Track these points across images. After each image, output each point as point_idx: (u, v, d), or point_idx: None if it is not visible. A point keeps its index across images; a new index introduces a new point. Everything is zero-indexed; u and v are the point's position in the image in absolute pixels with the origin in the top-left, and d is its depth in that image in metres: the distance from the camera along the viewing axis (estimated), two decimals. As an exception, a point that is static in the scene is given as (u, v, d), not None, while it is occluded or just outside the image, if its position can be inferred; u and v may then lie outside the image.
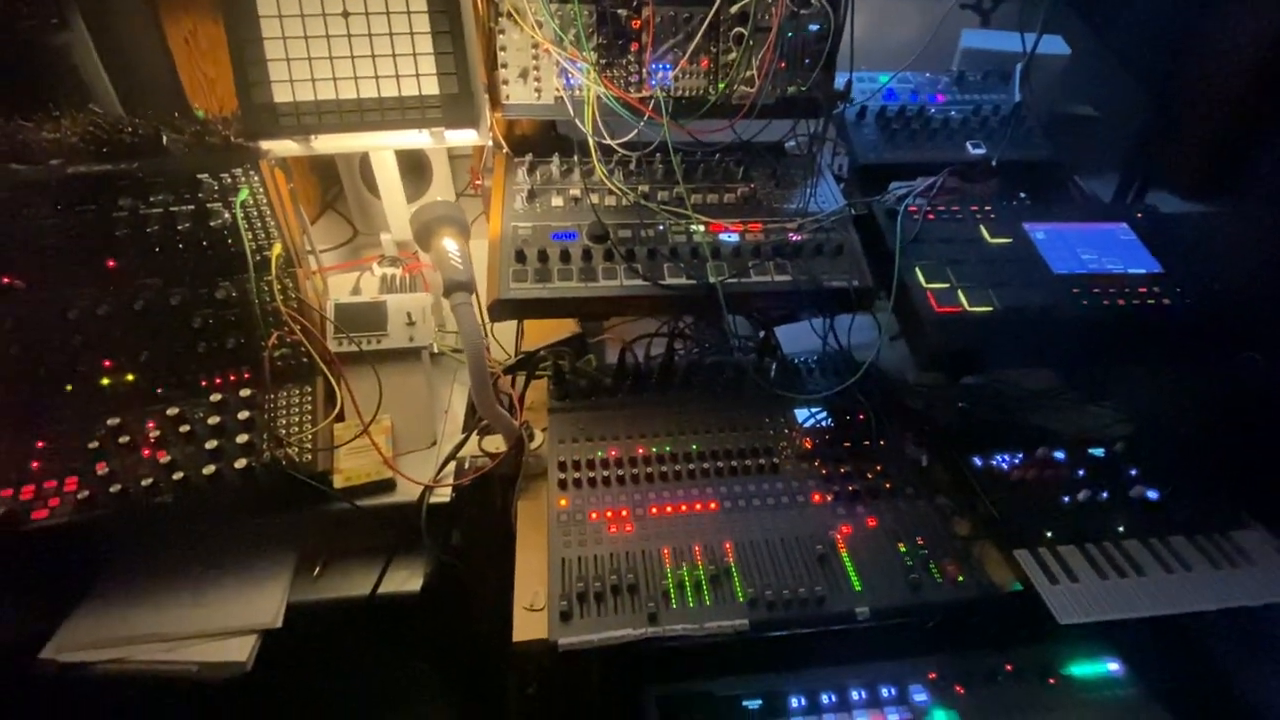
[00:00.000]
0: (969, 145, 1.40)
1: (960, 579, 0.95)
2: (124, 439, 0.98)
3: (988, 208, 1.25)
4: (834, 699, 0.99)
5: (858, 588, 0.93)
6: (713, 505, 1.03)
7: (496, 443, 1.14)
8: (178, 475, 0.95)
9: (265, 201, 1.06)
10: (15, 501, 0.92)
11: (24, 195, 0.98)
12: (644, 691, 1.00)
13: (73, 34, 1.31)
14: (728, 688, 1.01)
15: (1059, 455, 1.13)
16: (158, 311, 1.04)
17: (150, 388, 1.03)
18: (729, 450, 1.10)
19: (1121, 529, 1.04)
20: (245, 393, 1.05)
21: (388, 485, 1.07)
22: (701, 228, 1.15)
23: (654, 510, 1.01)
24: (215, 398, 1.03)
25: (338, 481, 1.05)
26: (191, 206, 1.03)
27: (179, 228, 1.02)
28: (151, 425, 1.01)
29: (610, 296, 1.06)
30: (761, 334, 1.27)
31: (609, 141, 1.16)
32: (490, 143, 1.26)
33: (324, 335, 1.14)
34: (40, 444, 0.97)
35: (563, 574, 0.92)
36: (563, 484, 1.04)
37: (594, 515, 1.00)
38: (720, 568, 0.93)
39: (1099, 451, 1.15)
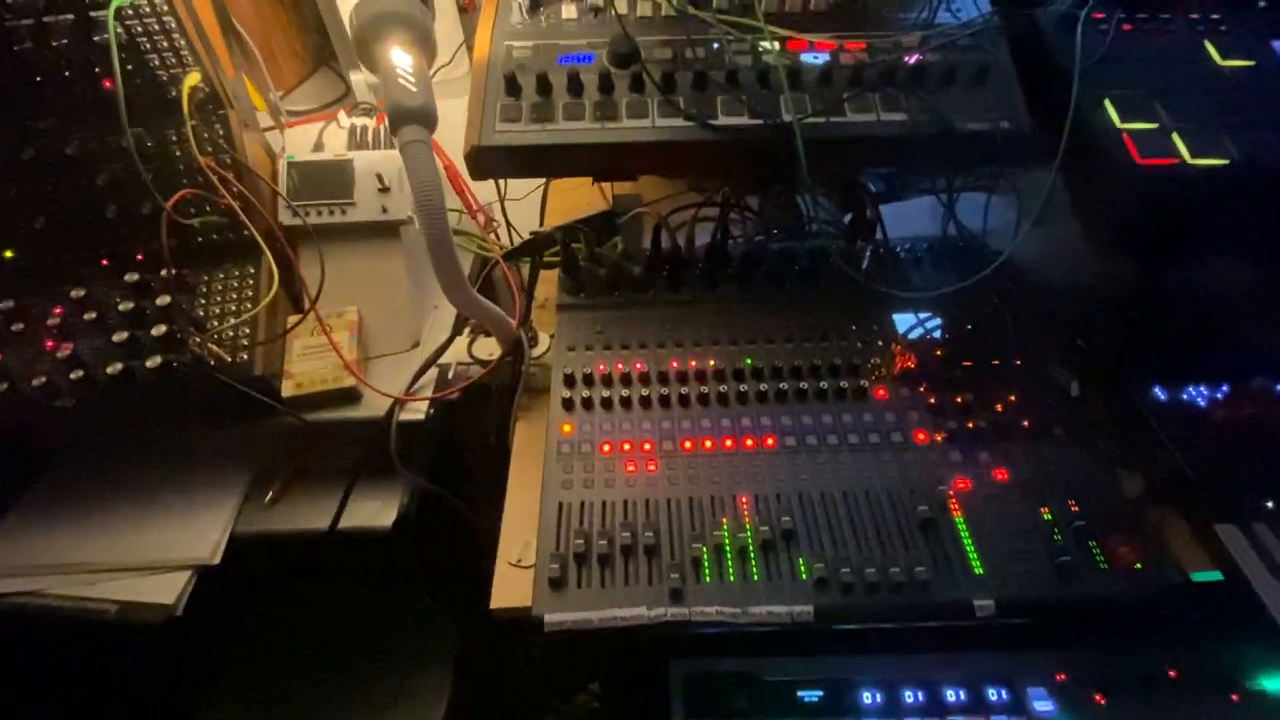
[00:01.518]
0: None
1: (1137, 565, 0.64)
2: (18, 326, 0.77)
3: (1216, 16, 0.82)
4: (921, 698, 0.72)
5: (979, 570, 0.64)
6: (769, 441, 0.74)
7: (491, 347, 0.88)
8: (77, 374, 0.74)
9: (167, 9, 0.77)
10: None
11: None
12: (668, 667, 0.77)
13: None
14: (779, 670, 0.76)
15: (1286, 389, 0.78)
16: (53, 163, 0.80)
17: (53, 264, 0.81)
18: (797, 367, 0.80)
19: (1384, 502, 0.69)
20: (167, 273, 0.81)
21: (351, 395, 0.84)
22: (775, 44, 0.79)
23: (688, 444, 0.74)
24: (131, 277, 0.81)
25: (287, 389, 0.82)
26: (70, 16, 0.75)
27: (55, 45, 0.76)
28: (57, 311, 0.80)
29: (637, 143, 0.74)
30: (853, 210, 0.92)
31: (645, -84, 0.79)
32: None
33: (274, 204, 0.89)
34: (-75, 330, 0.78)
35: (559, 524, 0.68)
36: (568, 404, 0.78)
37: (606, 447, 0.74)
38: (776, 530, 0.66)
39: (1350, 386, 0.78)
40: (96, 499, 0.83)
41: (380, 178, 0.91)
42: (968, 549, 0.65)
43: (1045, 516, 0.68)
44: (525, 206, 1.14)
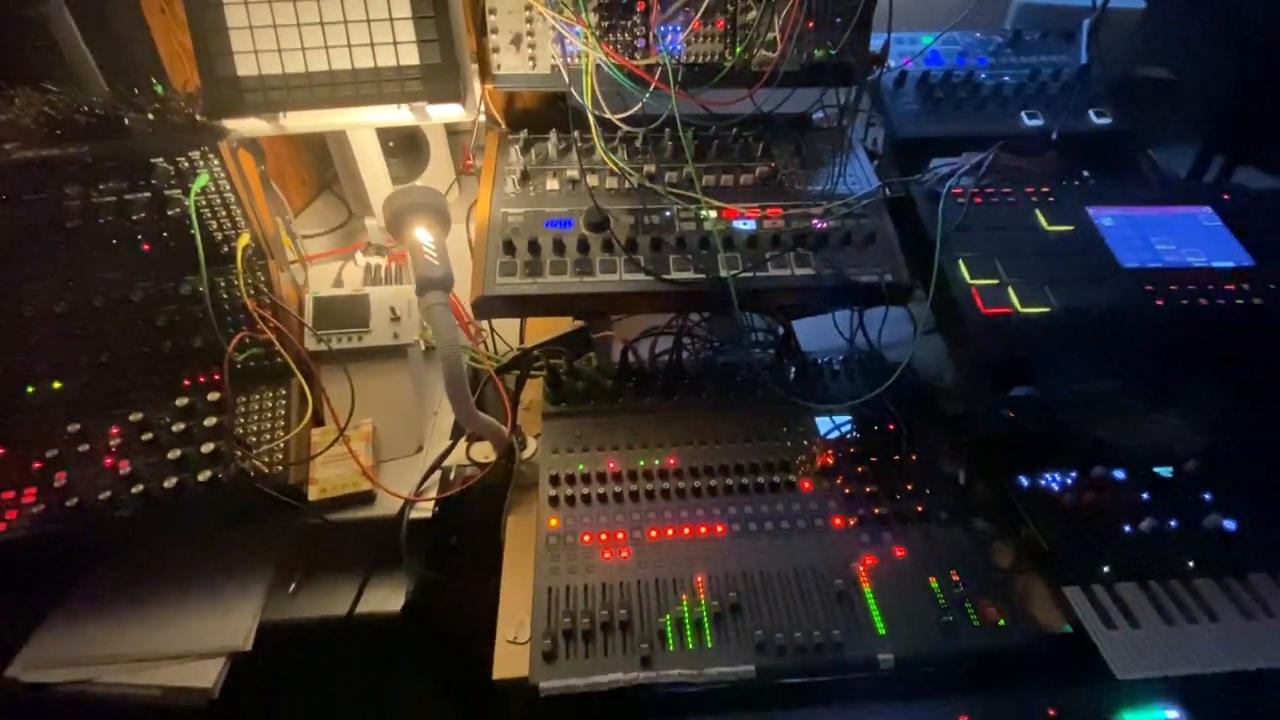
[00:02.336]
0: (1024, 116, 1.23)
1: (1001, 622, 0.83)
2: (84, 447, 0.91)
3: (1045, 189, 1.09)
4: (848, 744, 0.88)
5: (881, 631, 0.82)
6: (719, 528, 0.92)
7: (486, 450, 1.05)
8: (138, 488, 0.88)
9: (229, 188, 0.96)
10: (-30, 513, 0.86)
11: (-29, 183, 0.90)
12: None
13: (49, 5, 1.23)
14: (734, 727, 0.92)
15: (1119, 474, 0.99)
16: (118, 309, 0.96)
17: (112, 391, 0.96)
18: (739, 465, 0.98)
19: (1192, 564, 0.90)
20: (213, 397, 0.97)
21: (367, 497, 0.99)
22: (713, 213, 1.02)
23: (653, 533, 0.91)
24: (181, 402, 0.96)
25: (313, 493, 0.97)
26: (147, 194, 0.94)
27: (134, 218, 0.94)
28: (115, 432, 0.94)
29: (608, 293, 0.95)
30: (780, 331, 1.14)
31: (609, 116, 1.02)
32: (481, 118, 1.14)
33: (301, 333, 1.06)
34: (-1, 451, 0.91)
35: (549, 606, 0.83)
36: (554, 501, 0.94)
37: (586, 538, 0.91)
38: (725, 604, 0.83)
39: (1166, 471, 1.00)
40: (135, 593, 0.95)
41: (393, 309, 1.09)
42: (873, 614, 0.83)
43: (933, 585, 0.86)
44: (509, 321, 1.33)
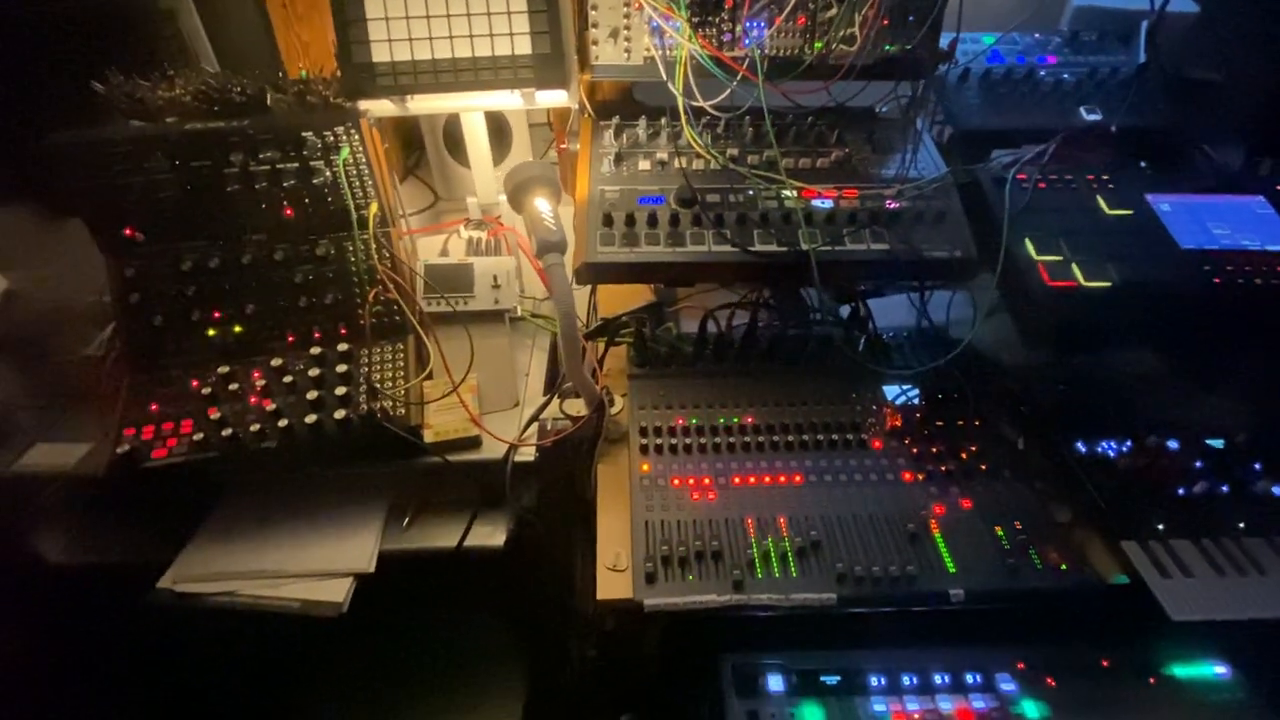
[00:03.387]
0: (1082, 111, 1.29)
1: (1063, 566, 0.90)
2: (233, 386, 1.03)
3: (1105, 177, 1.16)
4: (915, 681, 0.96)
5: (952, 569, 0.89)
6: (797, 478, 1.00)
7: (577, 406, 1.15)
8: (283, 423, 1.00)
9: (364, 160, 1.08)
10: (137, 440, 0.98)
11: (144, 150, 1.02)
12: (719, 660, 1.00)
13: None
14: (805, 661, 1.00)
15: (1172, 444, 1.06)
16: (263, 266, 1.08)
17: (256, 339, 1.08)
18: (814, 424, 1.07)
19: (1242, 525, 0.96)
20: (343, 347, 1.08)
21: (474, 442, 1.09)
22: (793, 193, 1.11)
23: (736, 480, 1.00)
24: (315, 351, 1.07)
25: (428, 436, 1.08)
26: (296, 164, 1.05)
27: (285, 184, 1.06)
28: (257, 375, 1.05)
29: (698, 262, 1.04)
30: (851, 306, 1.22)
31: (700, 103, 1.12)
32: (577, 105, 1.25)
33: (415, 295, 1.17)
34: (159, 388, 1.03)
35: (646, 537, 0.92)
36: (644, 449, 1.04)
37: (676, 481, 1.00)
38: (807, 540, 0.92)
39: (1218, 443, 1.06)
40: (271, 519, 1.06)
41: (494, 277, 1.20)
42: (943, 554, 0.91)
43: (999, 533, 0.94)
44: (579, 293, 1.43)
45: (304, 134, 1.04)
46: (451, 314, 1.19)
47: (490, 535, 1.08)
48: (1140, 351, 1.06)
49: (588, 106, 1.27)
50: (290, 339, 1.09)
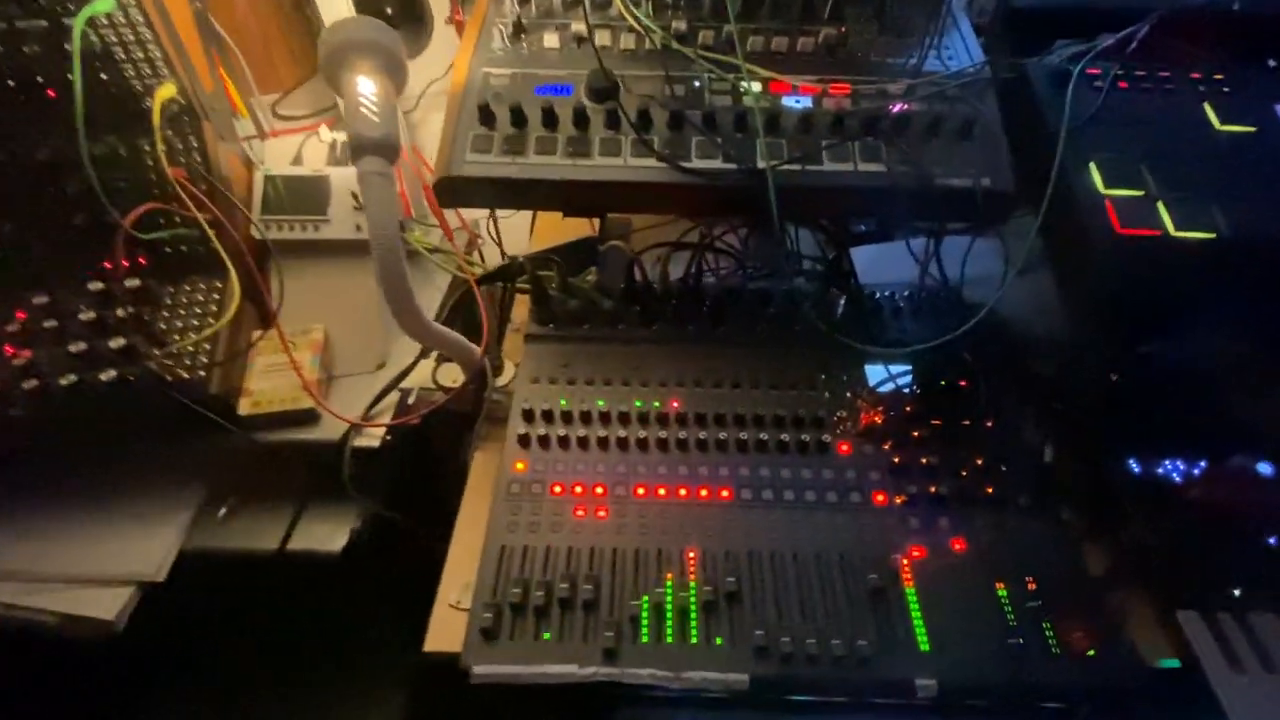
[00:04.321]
0: (1193, -16, 0.90)
1: (1090, 652, 0.62)
2: (-23, 330, 0.77)
3: (1219, 77, 0.79)
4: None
5: (925, 647, 0.62)
6: (724, 493, 0.72)
7: (457, 373, 0.87)
8: (30, 384, 0.74)
9: (143, 21, 0.76)
10: None
11: None
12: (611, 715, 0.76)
13: None
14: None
15: (1265, 469, 0.75)
16: (22, 169, 0.80)
17: (17, 268, 0.81)
18: (760, 416, 0.78)
19: (1364, 599, 0.67)
20: (133, 283, 0.81)
21: (308, 416, 0.83)
22: (757, 86, 0.78)
23: (641, 491, 0.72)
24: (96, 287, 0.80)
25: (244, 406, 0.81)
26: (43, 23, 0.75)
27: (26, 50, 0.75)
28: (20, 316, 0.79)
29: (606, 182, 0.73)
30: (830, 255, 0.90)
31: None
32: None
33: (246, 217, 0.88)
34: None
35: (498, 570, 0.66)
36: (524, 440, 0.76)
37: (558, 488, 0.73)
38: (721, 589, 0.64)
39: (1333, 471, 0.75)
40: (43, 508, 0.81)
41: (356, 196, 0.90)
42: (915, 623, 0.63)
43: (1000, 592, 0.65)
44: (517, 224, 1.13)
45: (38, -27, 0.73)
46: (300, 243, 0.90)
47: (328, 538, 0.83)
48: (1240, 337, 0.73)
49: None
50: (66, 271, 0.81)
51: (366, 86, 0.65)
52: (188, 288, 0.84)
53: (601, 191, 0.74)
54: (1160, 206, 0.67)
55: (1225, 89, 0.78)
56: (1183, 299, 0.65)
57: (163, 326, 0.80)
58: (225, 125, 0.89)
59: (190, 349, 0.78)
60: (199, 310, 0.82)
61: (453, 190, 0.74)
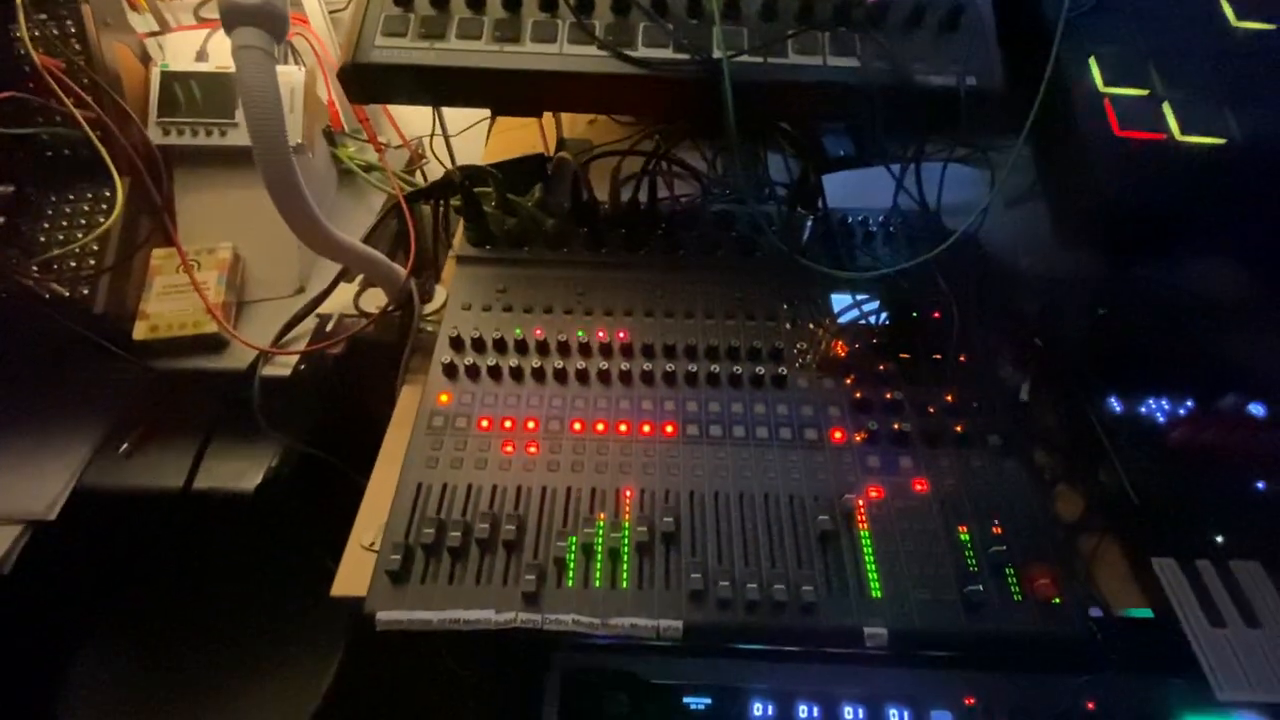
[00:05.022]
0: None
1: (1055, 600, 0.57)
2: None
3: (1239, -31, 0.70)
4: (816, 713, 0.66)
5: (876, 593, 0.56)
6: (669, 428, 0.66)
7: (382, 298, 0.79)
8: (-117, 298, 0.65)
9: None
10: None
11: None
12: (549, 660, 0.71)
13: None
14: (667, 672, 0.70)
15: (1257, 410, 0.69)
16: None
17: None
18: (714, 347, 0.71)
19: (1352, 547, 0.62)
20: (3, 189, 0.71)
21: (213, 342, 0.75)
22: (716, -34, 0.67)
23: (578, 425, 0.66)
24: (-38, 192, 0.70)
25: (140, 330, 0.73)
26: None
27: None
28: (-124, 224, 0.69)
29: (538, 72, 0.63)
30: (797, 171, 0.81)
31: None
32: None
33: (140, 118, 0.78)
34: None
35: (413, 509, 0.60)
36: (450, 370, 0.69)
37: (485, 423, 0.66)
38: (656, 530, 0.58)
39: (1329, 412, 0.69)
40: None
41: (267, 96, 0.80)
42: (868, 568, 0.57)
43: (962, 536, 0.60)
44: (470, 142, 1.03)
45: None
46: (206, 150, 0.80)
47: (240, 475, 0.76)
48: (1244, 261, 0.66)
49: None
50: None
51: (242, -58, 0.54)
52: (72, 197, 0.74)
53: (533, 83, 0.64)
54: (1166, 107, 0.59)
55: (1247, -20, 0.69)
56: (1186, 213, 0.57)
57: (41, 239, 0.71)
58: (112, 10, 0.78)
59: (72, 263, 0.69)
60: (84, 223, 0.73)
61: (360, 81, 0.64)
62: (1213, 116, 0.59)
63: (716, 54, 0.62)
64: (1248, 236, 0.59)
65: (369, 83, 0.65)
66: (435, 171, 1.08)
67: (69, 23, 0.73)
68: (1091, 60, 0.61)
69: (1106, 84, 0.60)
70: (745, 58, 0.63)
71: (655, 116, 0.79)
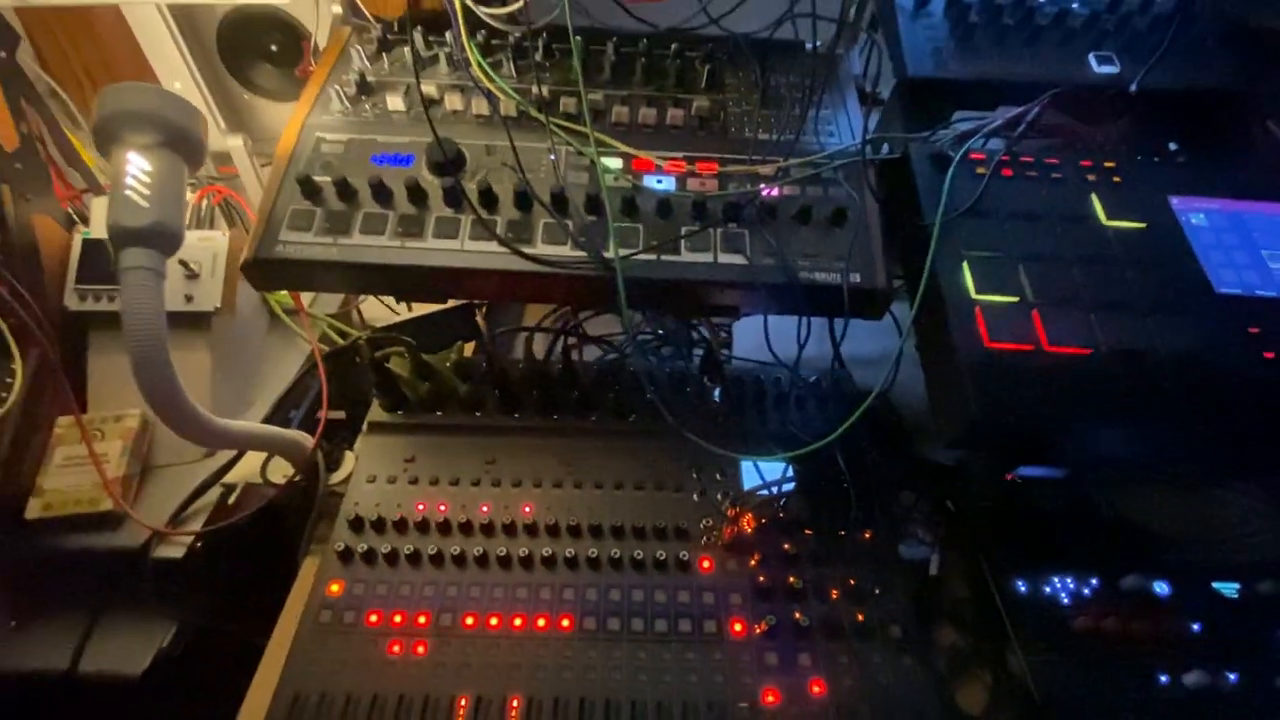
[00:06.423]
0: (1092, 60, 0.86)
1: (952, 825, 0.54)
2: None
3: (1110, 165, 0.75)
4: None
5: (765, 822, 0.54)
6: (564, 622, 0.64)
7: (287, 468, 0.78)
8: None
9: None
10: None
11: None
12: None
13: None
14: None
15: (1161, 588, 0.69)
16: None
17: None
18: (619, 526, 0.70)
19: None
20: (-99, 366, 0.70)
21: (109, 520, 0.73)
22: (618, 162, 0.71)
23: (470, 620, 0.64)
24: None
25: (34, 509, 0.71)
26: None
27: None
28: None
29: (438, 268, 0.65)
30: (703, 342, 0.83)
31: (482, 10, 0.70)
32: (337, 7, 0.83)
33: (57, 286, 0.79)
34: None
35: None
36: (345, 556, 0.67)
37: (374, 617, 0.64)
38: (541, 750, 0.56)
39: (1230, 590, 0.70)
40: None
41: (186, 264, 0.81)
42: (758, 791, 0.55)
43: (860, 747, 0.58)
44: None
45: None
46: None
47: (127, 657, 0.73)
48: (1134, 459, 0.67)
49: (360, 6, 0.85)
50: None
51: (137, 165, 0.56)
52: (-24, 369, 0.73)
53: (435, 278, 0.66)
54: (1036, 316, 0.62)
55: (1116, 178, 0.74)
56: (1058, 424, 0.59)
57: (-66, 416, 0.70)
58: (36, 186, 0.80)
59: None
60: (-15, 397, 0.72)
61: (263, 274, 0.65)
62: (1079, 325, 0.61)
63: (610, 253, 0.64)
64: (1125, 442, 0.60)
65: (271, 275, 0.66)
66: (371, 310, 1.10)
67: (-11, 199, 0.75)
68: (965, 264, 0.64)
69: (979, 290, 0.62)
70: (640, 256, 0.65)
71: (558, 304, 0.81)
